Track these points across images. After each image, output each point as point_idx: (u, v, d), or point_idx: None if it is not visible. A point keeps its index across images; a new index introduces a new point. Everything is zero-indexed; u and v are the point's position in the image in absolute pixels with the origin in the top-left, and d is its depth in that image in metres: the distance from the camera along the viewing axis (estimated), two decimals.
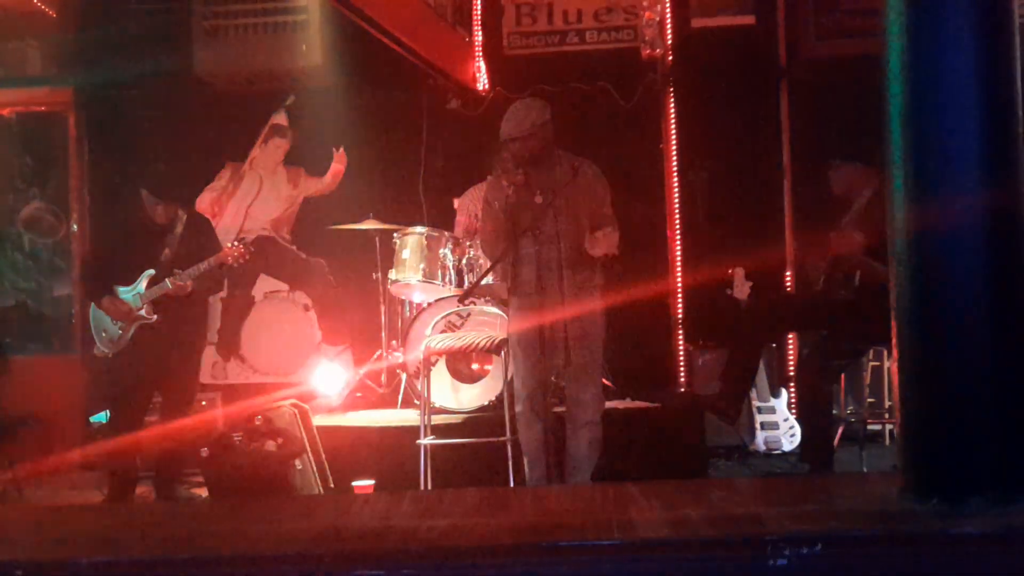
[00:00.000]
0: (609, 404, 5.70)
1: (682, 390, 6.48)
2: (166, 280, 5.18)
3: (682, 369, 6.54)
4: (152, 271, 5.26)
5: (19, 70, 7.10)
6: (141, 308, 5.22)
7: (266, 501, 3.52)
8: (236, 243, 5.43)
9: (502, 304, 5.63)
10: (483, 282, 5.81)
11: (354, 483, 5.17)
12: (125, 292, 5.26)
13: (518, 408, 4.81)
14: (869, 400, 5.89)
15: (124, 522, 2.98)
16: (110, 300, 5.24)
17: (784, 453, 5.89)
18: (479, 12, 7.12)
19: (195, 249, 5.31)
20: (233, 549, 2.43)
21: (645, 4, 6.90)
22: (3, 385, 6.26)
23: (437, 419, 5.48)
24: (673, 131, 6.79)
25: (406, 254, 6.07)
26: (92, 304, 5.38)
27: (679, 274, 6.65)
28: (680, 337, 6.62)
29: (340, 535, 2.52)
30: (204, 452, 5.39)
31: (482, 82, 7.00)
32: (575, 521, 2.52)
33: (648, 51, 6.88)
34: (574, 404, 4.76)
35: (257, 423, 5.36)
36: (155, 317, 5.24)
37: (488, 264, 5.51)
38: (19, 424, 6.16)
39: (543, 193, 4.68)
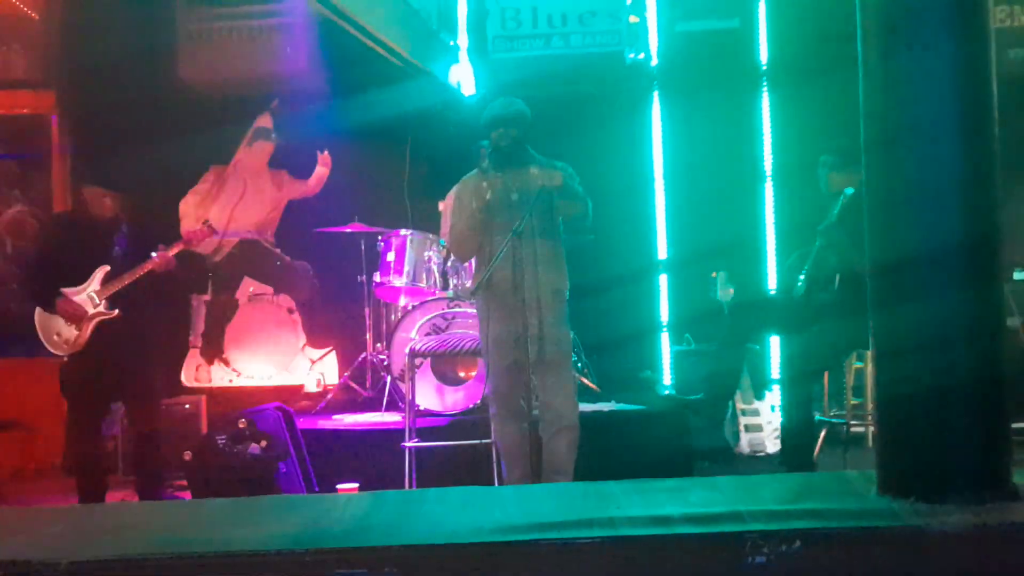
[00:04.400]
0: (594, 407, 5.72)
1: (667, 393, 6.50)
2: (151, 254, 5.05)
3: (667, 372, 6.57)
4: (107, 267, 5.14)
5: (2, 73, 7.07)
6: (99, 304, 5.12)
7: (248, 501, 3.51)
8: (201, 226, 5.32)
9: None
10: (468, 284, 5.85)
11: (338, 486, 5.16)
12: (77, 293, 5.14)
13: (492, 409, 4.78)
14: (852, 402, 5.91)
15: (104, 522, 2.97)
16: (63, 301, 5.12)
17: (768, 455, 5.91)
18: (464, 16, 7.14)
19: (146, 244, 5.20)
20: (214, 548, 2.42)
21: (630, 8, 6.95)
22: None
23: (422, 422, 5.48)
24: (658, 134, 6.83)
25: (391, 257, 6.08)
26: (38, 308, 5.25)
27: (663, 277, 6.68)
28: (665, 340, 6.65)
29: (322, 534, 2.52)
30: (187, 455, 5.36)
31: (467, 86, 7.02)
32: (557, 519, 2.53)
33: (633, 55, 6.92)
34: (547, 409, 4.64)
35: (241, 426, 5.34)
36: (116, 311, 5.13)
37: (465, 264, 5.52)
38: (1, 428, 6.13)
39: (519, 191, 4.68)
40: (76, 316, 5.10)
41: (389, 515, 2.79)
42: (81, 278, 5.13)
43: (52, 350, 5.18)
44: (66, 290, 5.10)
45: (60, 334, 5.14)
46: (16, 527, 3.00)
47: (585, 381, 6.07)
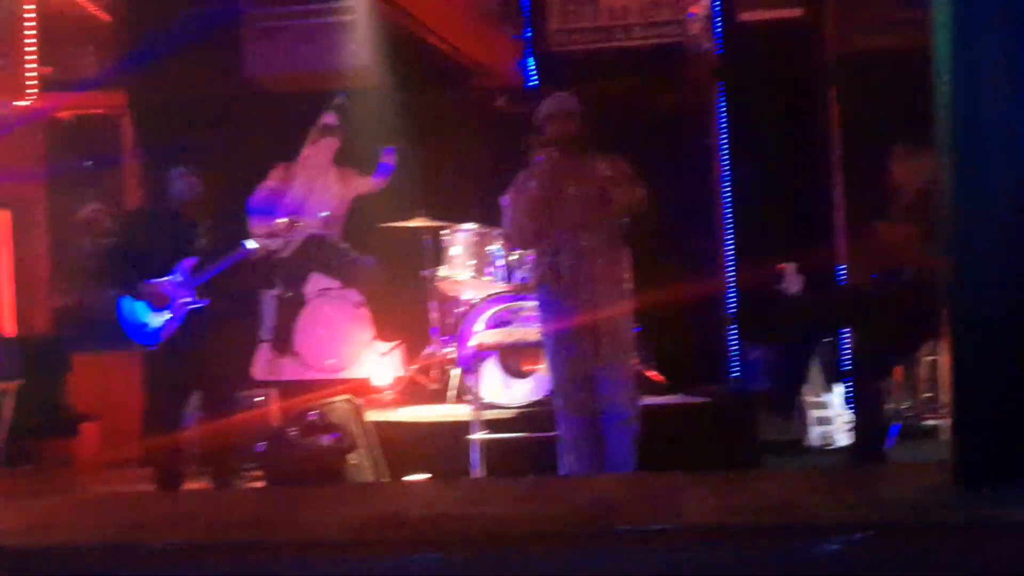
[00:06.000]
0: (660, 400, 5.71)
1: (734, 385, 6.46)
2: (249, 242, 5.15)
3: (734, 364, 6.53)
4: (195, 258, 5.25)
5: (76, 74, 7.25)
6: (188, 294, 5.22)
7: (325, 488, 3.59)
8: (282, 220, 5.43)
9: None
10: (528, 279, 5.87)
11: (406, 478, 5.22)
12: (164, 284, 5.23)
13: (556, 402, 4.80)
14: (925, 395, 5.83)
15: (191, 508, 3.05)
16: (150, 288, 5.22)
17: (838, 449, 5.84)
18: (525, 9, 7.15)
19: (220, 238, 5.31)
20: (298, 533, 2.48)
21: None
22: (65, 382, 6.42)
23: (488, 414, 5.50)
24: (721, 126, 6.78)
25: (456, 251, 6.15)
26: (122, 298, 5.33)
27: (731, 269, 6.64)
28: (732, 332, 6.61)
29: (399, 520, 2.56)
30: (261, 447, 5.46)
31: (529, 79, 7.03)
32: (626, 508, 2.54)
33: (695, 46, 6.88)
34: (609, 403, 4.68)
35: (312, 418, 5.44)
36: (206, 301, 5.22)
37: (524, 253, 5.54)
38: (80, 419, 6.30)
39: (576, 183, 4.70)
40: (164, 303, 5.21)
41: (462, 503, 2.83)
42: (164, 268, 5.25)
43: (137, 340, 5.31)
44: (154, 280, 5.24)
45: (148, 322, 5.25)
46: (105, 511, 3.10)
47: (650, 374, 6.05)
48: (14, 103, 6.97)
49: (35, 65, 6.94)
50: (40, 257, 7.30)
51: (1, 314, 7.09)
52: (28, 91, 6.93)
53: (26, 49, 6.92)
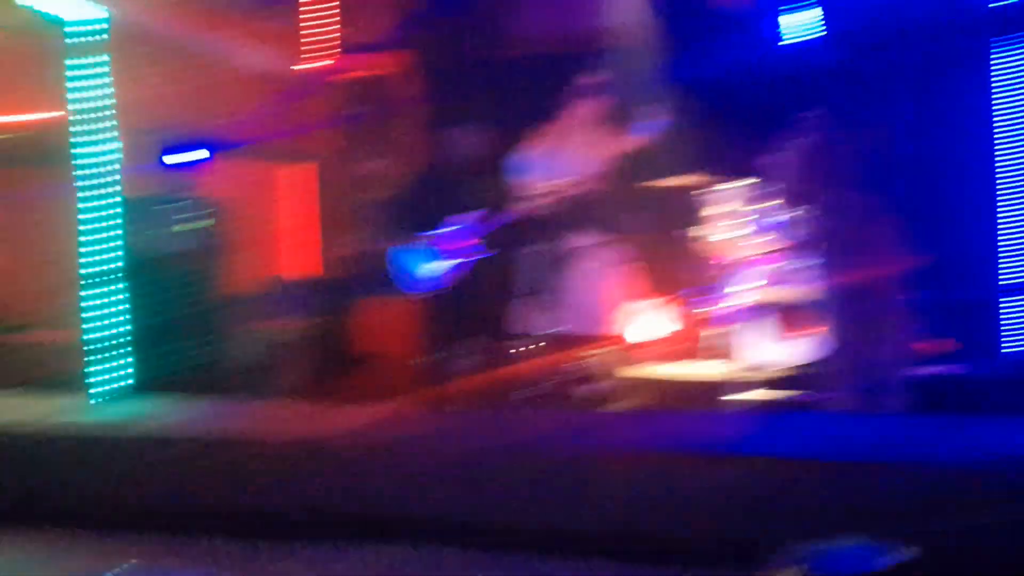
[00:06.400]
0: (935, 370, 5.46)
1: (1016, 358, 6.08)
2: (518, 199, 5.36)
3: (1018, 335, 6.15)
4: (471, 213, 5.47)
5: (368, 37, 7.74)
6: (463, 246, 5.46)
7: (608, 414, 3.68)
8: (549, 179, 5.59)
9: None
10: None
11: None
12: (439, 235, 5.49)
13: (825, 367, 4.80)
14: None
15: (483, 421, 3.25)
16: (428, 238, 5.49)
17: None
18: None
19: (503, 191, 5.50)
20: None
21: None
22: (352, 323, 6.89)
23: (751, 375, 5.46)
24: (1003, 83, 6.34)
25: (723, 209, 6.10)
26: (400, 247, 5.63)
27: (1018, 235, 6.24)
28: (1016, 302, 6.22)
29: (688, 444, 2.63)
30: (521, 396, 5.64)
31: (800, 33, 6.80)
32: (913, 445, 2.50)
33: None
34: (882, 371, 4.66)
35: (572, 370, 5.59)
36: (479, 253, 5.46)
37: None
38: (362, 358, 6.73)
39: (847, 144, 4.59)
40: (439, 254, 5.52)
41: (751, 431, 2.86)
42: (442, 221, 5.54)
43: (408, 288, 5.64)
44: (432, 232, 5.54)
45: (422, 272, 5.56)
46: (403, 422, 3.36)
47: (925, 343, 5.78)
48: (318, 64, 7.56)
49: (337, 28, 7.50)
50: (334, 207, 7.90)
51: (308, 258, 7.74)
52: (330, 52, 7.52)
53: (329, 14, 7.50)
